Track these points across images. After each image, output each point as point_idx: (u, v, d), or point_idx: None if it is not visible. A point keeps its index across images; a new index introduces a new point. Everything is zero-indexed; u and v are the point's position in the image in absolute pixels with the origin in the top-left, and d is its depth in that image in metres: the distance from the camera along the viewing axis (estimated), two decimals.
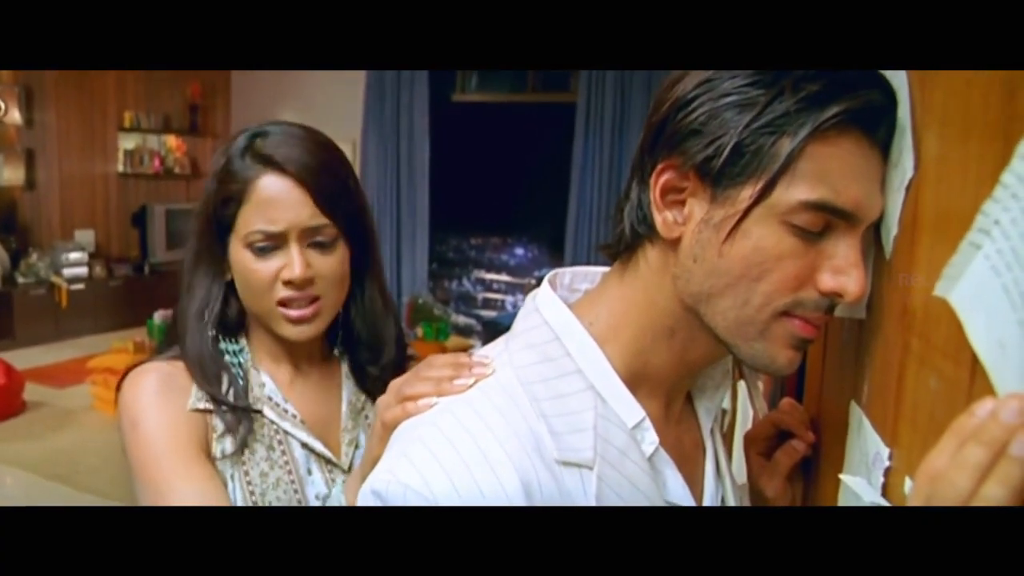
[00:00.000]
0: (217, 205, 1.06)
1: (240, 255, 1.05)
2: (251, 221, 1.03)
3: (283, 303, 1.05)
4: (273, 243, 1.03)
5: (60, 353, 6.76)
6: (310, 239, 1.04)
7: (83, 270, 7.30)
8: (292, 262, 1.03)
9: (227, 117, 8.54)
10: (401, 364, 1.16)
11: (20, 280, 6.94)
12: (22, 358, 6.13)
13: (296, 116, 7.75)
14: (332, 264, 1.06)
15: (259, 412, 1.08)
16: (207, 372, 1.07)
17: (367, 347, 1.17)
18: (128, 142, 7.92)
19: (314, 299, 1.06)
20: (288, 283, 1.03)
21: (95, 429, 5.06)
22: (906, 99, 0.64)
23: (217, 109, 8.49)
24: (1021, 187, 0.43)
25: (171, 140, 8.25)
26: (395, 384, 0.83)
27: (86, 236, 7.60)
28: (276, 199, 1.03)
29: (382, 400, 0.85)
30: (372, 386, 1.15)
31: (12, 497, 4.07)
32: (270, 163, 1.03)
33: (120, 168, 7.84)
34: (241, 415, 1.06)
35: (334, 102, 7.39)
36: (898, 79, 0.65)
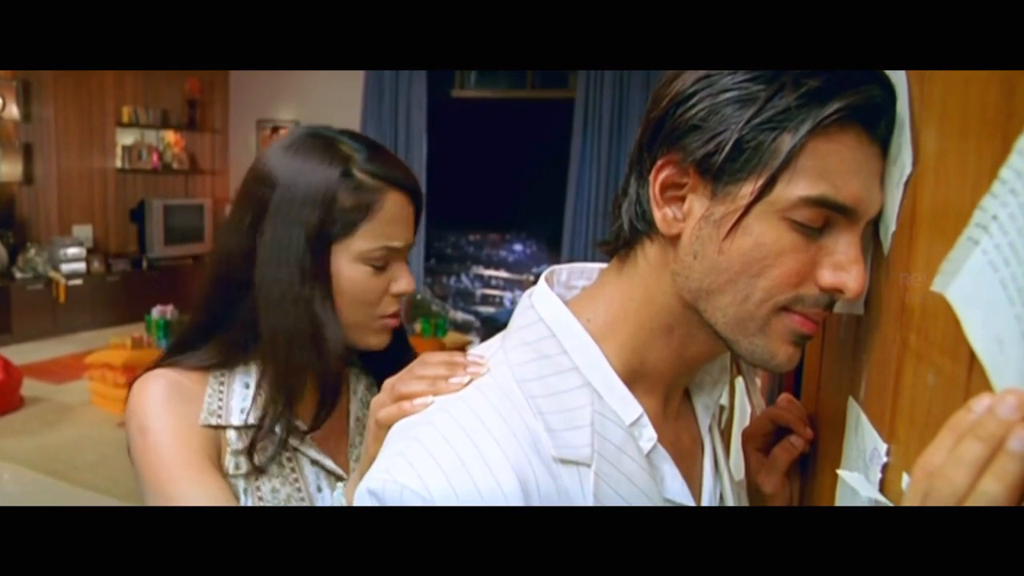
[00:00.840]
0: (333, 219, 1.03)
1: (350, 269, 1.04)
2: (374, 237, 1.04)
3: (389, 315, 1.09)
4: (386, 260, 1.06)
5: (58, 348, 6.76)
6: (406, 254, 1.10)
7: (81, 265, 7.30)
8: (406, 276, 1.08)
9: (225, 113, 8.54)
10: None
11: (18, 275, 6.93)
12: (20, 353, 6.14)
13: (295, 111, 7.78)
14: (414, 282, 1.11)
15: (272, 430, 1.07)
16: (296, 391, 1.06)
17: (388, 360, 1.15)
18: (126, 137, 7.91)
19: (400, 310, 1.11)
20: (398, 296, 1.08)
21: (93, 425, 5.06)
22: (905, 95, 0.64)
23: (215, 105, 8.49)
24: (1019, 182, 0.43)
25: (169, 135, 8.25)
26: (389, 383, 0.83)
27: (84, 231, 7.59)
28: (400, 217, 1.06)
29: (377, 399, 0.85)
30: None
31: (9, 493, 4.07)
32: (395, 183, 1.05)
33: (118, 164, 7.84)
34: (270, 438, 1.05)
35: (333, 97, 7.39)
36: (897, 75, 0.65)
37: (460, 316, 7.43)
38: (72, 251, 7.24)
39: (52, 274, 7.10)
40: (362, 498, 0.67)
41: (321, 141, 1.06)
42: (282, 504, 1.05)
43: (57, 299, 7.12)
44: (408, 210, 1.07)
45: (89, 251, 7.45)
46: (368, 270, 1.05)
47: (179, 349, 1.09)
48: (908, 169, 0.63)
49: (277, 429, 1.07)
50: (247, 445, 1.04)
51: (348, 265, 1.04)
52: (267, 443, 1.05)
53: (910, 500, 0.49)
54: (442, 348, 5.17)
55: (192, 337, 1.09)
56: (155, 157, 8.11)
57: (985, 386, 0.46)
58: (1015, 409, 0.42)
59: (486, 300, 7.94)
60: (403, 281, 1.07)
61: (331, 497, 1.08)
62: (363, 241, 1.04)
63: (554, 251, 6.94)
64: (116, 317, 7.35)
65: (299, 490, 1.07)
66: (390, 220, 1.05)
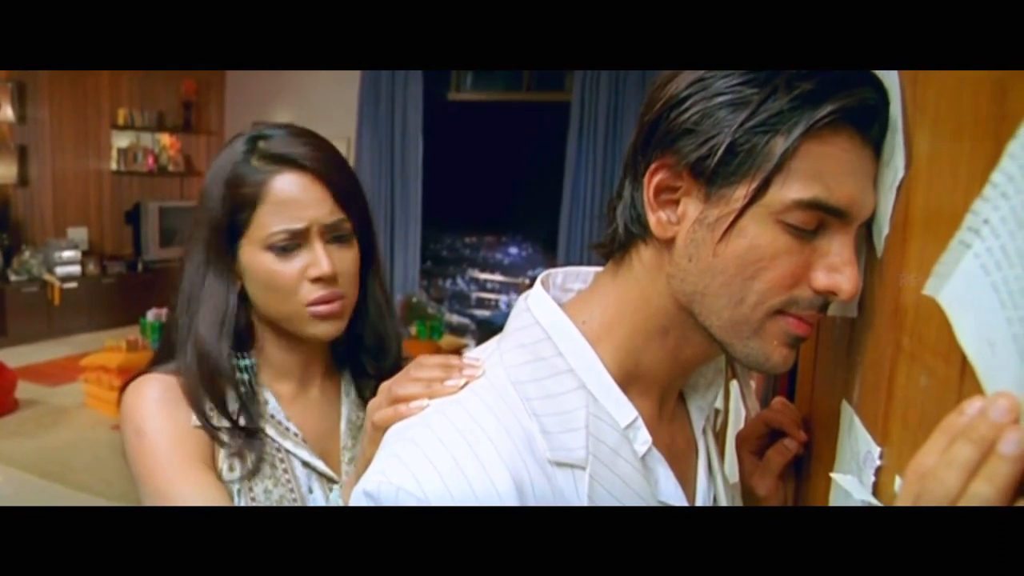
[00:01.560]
0: (227, 211, 1.03)
1: (259, 259, 1.03)
2: (270, 222, 1.02)
3: (312, 302, 1.03)
4: (296, 241, 1.02)
5: (53, 351, 6.74)
6: (331, 235, 1.04)
7: (76, 268, 7.28)
8: (319, 259, 1.02)
9: (221, 114, 8.53)
10: (398, 366, 1.15)
11: (12, 277, 6.91)
12: (14, 356, 6.12)
13: (291, 114, 7.77)
14: (350, 260, 1.06)
15: (262, 431, 1.07)
16: (218, 390, 1.04)
17: (371, 350, 1.15)
18: (122, 140, 7.89)
19: (339, 295, 1.05)
20: (317, 280, 1.02)
21: (88, 427, 5.05)
22: (898, 98, 0.64)
23: (211, 106, 8.48)
24: (1010, 186, 0.43)
25: (165, 138, 8.23)
26: (385, 386, 0.83)
27: (79, 233, 7.58)
28: (296, 197, 1.02)
29: (373, 402, 0.85)
30: (371, 392, 1.14)
31: (4, 495, 4.06)
32: (285, 161, 1.02)
33: (113, 166, 7.82)
34: (251, 437, 1.05)
35: (329, 100, 7.38)
36: (890, 78, 0.65)
37: (456, 319, 7.43)
38: (67, 254, 7.23)
39: (47, 276, 7.08)
40: (358, 499, 0.67)
41: (239, 136, 1.06)
42: (274, 504, 1.05)
43: (52, 301, 7.10)
44: (311, 189, 1.02)
45: (84, 253, 7.43)
46: (273, 257, 1.02)
47: (165, 354, 1.09)
48: (901, 172, 0.63)
49: (271, 432, 1.07)
50: (239, 447, 1.04)
51: (256, 254, 1.03)
52: (253, 444, 1.04)
53: (902, 502, 0.49)
54: (438, 351, 5.17)
55: (171, 344, 1.09)
56: (150, 159, 8.09)
57: (977, 389, 0.47)
58: (1006, 412, 0.42)
59: (481, 303, 7.94)
60: (319, 264, 1.02)
61: (323, 499, 1.08)
62: (263, 227, 1.02)
63: (550, 254, 6.94)
64: (111, 320, 7.33)
65: (291, 491, 1.07)
66: (284, 202, 1.01)
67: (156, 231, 7.79)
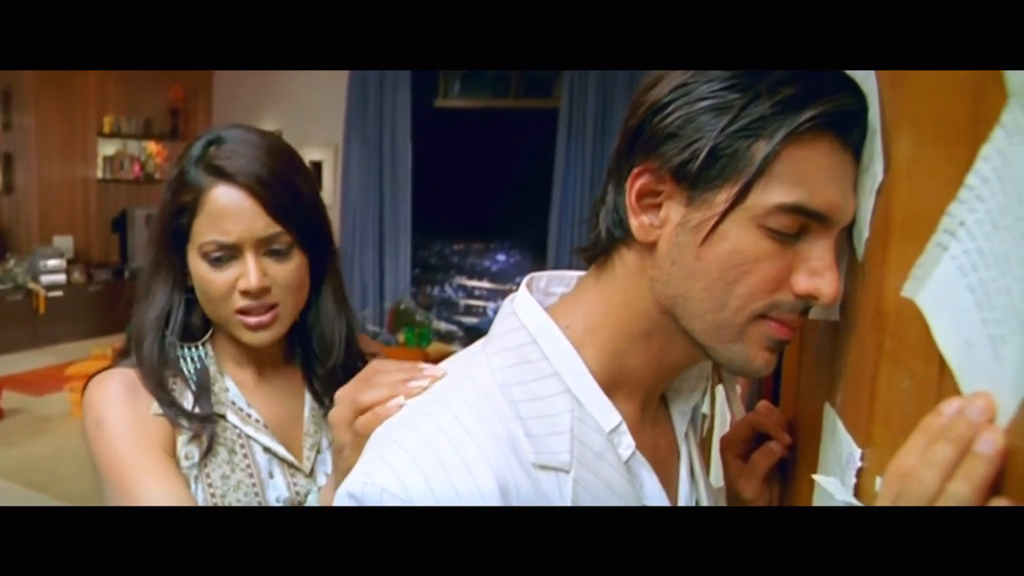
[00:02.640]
0: (172, 214, 1.06)
1: (196, 264, 1.06)
2: (204, 232, 1.04)
3: (241, 311, 1.06)
4: (228, 253, 1.04)
5: (38, 360, 6.70)
6: (265, 248, 1.05)
7: (61, 276, 7.24)
8: (248, 272, 1.04)
9: (209, 121, 8.48)
10: (352, 368, 1.14)
11: None
12: None
13: (278, 121, 7.74)
14: (288, 272, 1.07)
15: (222, 417, 1.09)
16: (161, 379, 1.07)
17: (316, 349, 1.18)
18: (108, 148, 7.85)
19: (271, 306, 1.07)
20: (245, 293, 1.04)
21: (74, 436, 5.00)
22: (876, 102, 0.65)
23: (199, 113, 8.44)
24: (985, 188, 0.44)
25: (152, 146, 8.19)
26: (346, 396, 0.84)
27: (65, 242, 7.53)
28: (228, 210, 1.03)
29: (337, 414, 0.86)
30: (320, 387, 1.17)
31: None
32: (221, 174, 1.03)
33: (99, 174, 7.78)
34: (203, 422, 1.07)
35: (316, 107, 7.36)
36: (868, 81, 0.66)
37: (444, 326, 7.41)
38: (52, 262, 7.18)
39: (32, 285, 7.03)
40: (341, 500, 0.67)
41: (201, 140, 1.09)
42: (232, 489, 1.06)
43: (37, 310, 7.06)
44: (243, 204, 1.03)
45: (70, 262, 7.39)
46: (207, 266, 1.05)
47: (127, 352, 1.12)
48: (880, 176, 0.63)
49: (232, 418, 1.09)
50: (195, 432, 1.06)
51: (194, 260, 1.06)
52: (205, 428, 1.06)
53: (882, 502, 0.49)
54: (426, 358, 5.16)
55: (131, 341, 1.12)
56: (137, 167, 8.06)
57: (956, 390, 0.47)
58: (983, 412, 0.43)
59: (470, 310, 7.93)
60: (248, 278, 1.04)
61: (284, 484, 1.10)
62: (199, 235, 1.05)
63: (539, 260, 6.94)
64: (97, 328, 7.28)
65: (250, 476, 1.08)
66: (217, 214, 1.04)
67: (143, 239, 7.73)
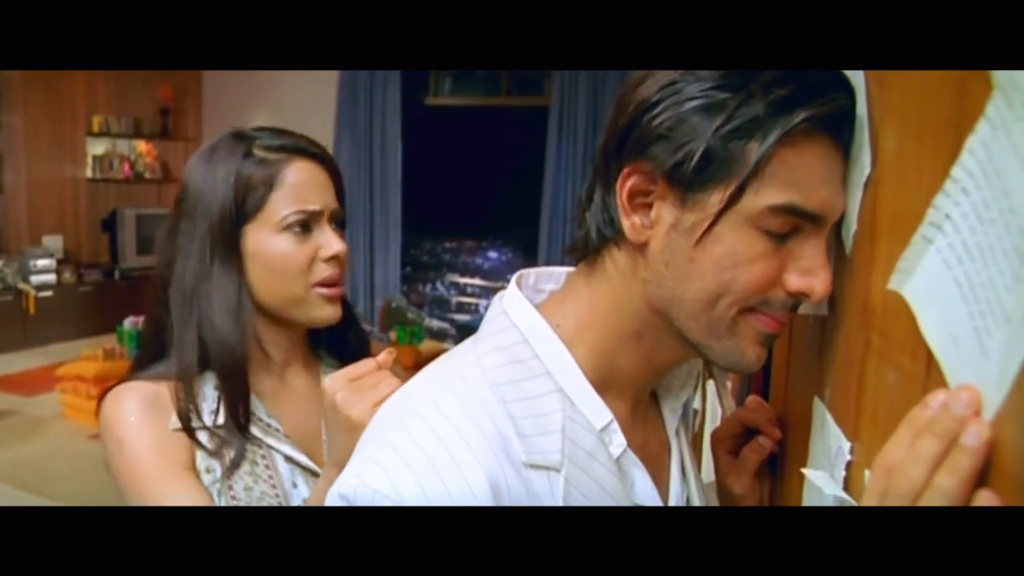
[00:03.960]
0: (237, 200, 1.06)
1: (271, 241, 1.06)
2: (285, 204, 1.06)
3: (321, 283, 1.08)
4: (308, 225, 1.07)
5: (28, 361, 6.66)
6: (334, 222, 1.10)
7: (51, 276, 7.20)
8: (330, 240, 1.08)
9: (199, 120, 8.46)
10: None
11: None
12: None
13: (269, 120, 7.68)
14: (345, 248, 1.11)
15: (246, 429, 1.08)
16: (242, 384, 1.06)
17: (353, 344, 1.20)
18: (97, 147, 7.82)
19: (342, 279, 1.10)
20: (329, 260, 1.07)
21: (65, 437, 4.99)
22: (863, 96, 0.65)
23: (188, 113, 8.41)
24: (970, 181, 0.44)
25: (142, 145, 8.16)
26: (356, 383, 0.90)
27: (54, 242, 7.49)
28: (309, 182, 1.07)
29: (348, 399, 0.91)
30: None
31: None
32: (295, 150, 1.08)
33: (89, 173, 7.74)
34: (230, 435, 1.06)
35: (306, 106, 7.34)
36: (856, 77, 0.66)
37: (436, 324, 7.41)
38: (42, 262, 7.14)
39: (21, 285, 6.99)
40: (334, 501, 0.67)
41: (228, 136, 1.10)
42: (256, 500, 1.05)
43: (27, 311, 7.02)
44: (320, 176, 1.09)
45: (60, 262, 7.35)
46: (290, 237, 1.06)
47: (144, 361, 1.10)
48: (867, 170, 0.64)
49: (253, 429, 1.08)
50: (218, 446, 1.04)
51: (268, 238, 1.06)
52: (232, 443, 1.05)
53: (869, 496, 0.49)
54: (418, 356, 5.15)
55: (152, 349, 1.10)
56: (127, 167, 8.02)
57: (942, 383, 0.47)
58: (968, 405, 0.43)
59: (461, 308, 7.92)
60: (331, 245, 1.07)
61: (308, 492, 1.09)
62: (277, 210, 1.06)
63: (530, 258, 6.94)
64: (88, 328, 7.25)
65: (273, 487, 1.07)
66: (300, 185, 1.07)
67: (133, 239, 7.72)
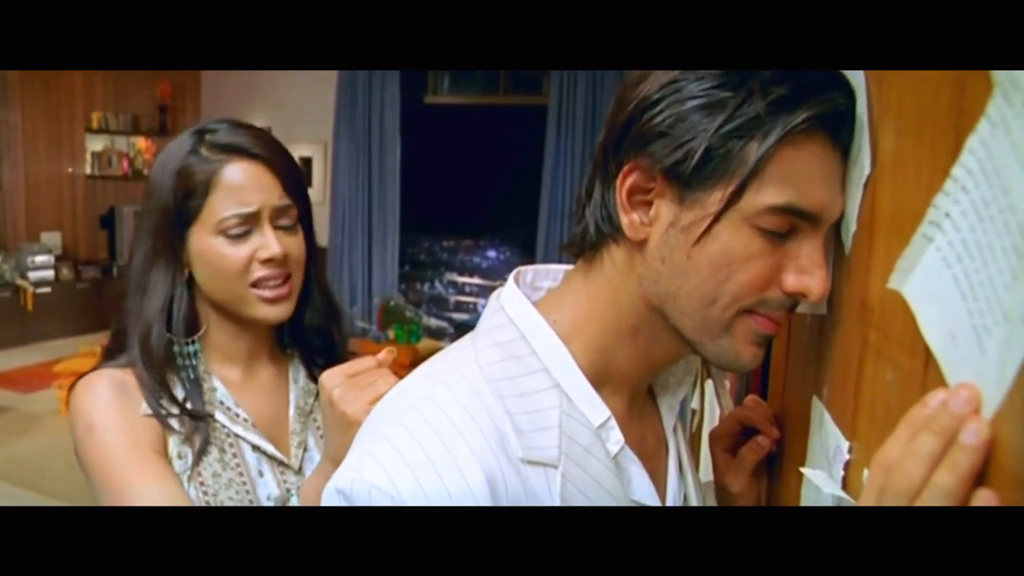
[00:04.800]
0: (177, 200, 1.07)
1: (209, 243, 1.06)
2: (221, 207, 1.05)
3: (257, 284, 1.07)
4: (247, 226, 1.06)
5: (26, 357, 6.66)
6: (277, 221, 1.08)
7: (49, 273, 7.20)
8: (268, 241, 1.07)
9: (197, 117, 8.44)
10: (344, 358, 1.17)
11: None
12: None
13: (267, 117, 7.71)
14: (297, 244, 1.10)
15: (211, 417, 1.09)
16: (163, 375, 1.07)
17: (318, 335, 1.20)
18: (96, 144, 7.81)
19: (287, 278, 1.09)
20: (266, 262, 1.06)
21: (62, 434, 4.98)
22: (863, 96, 0.65)
23: (187, 110, 8.40)
24: (970, 180, 0.44)
25: (140, 142, 8.16)
26: (353, 379, 0.90)
27: (53, 238, 7.49)
28: (246, 183, 1.06)
29: (345, 395, 0.91)
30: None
31: None
32: (234, 150, 1.06)
33: (88, 170, 7.73)
34: (198, 423, 1.07)
35: (305, 103, 7.34)
36: (856, 76, 0.66)
37: (434, 322, 7.40)
38: (40, 258, 7.14)
39: (19, 282, 6.99)
40: (330, 497, 0.67)
41: (187, 131, 1.11)
42: (223, 487, 1.06)
43: (25, 307, 7.02)
44: (260, 175, 1.07)
45: (58, 258, 7.35)
46: (224, 240, 1.06)
47: (114, 352, 1.11)
48: (867, 170, 0.63)
49: (220, 417, 1.09)
50: (190, 432, 1.06)
51: (207, 240, 1.07)
52: (199, 428, 1.07)
53: (867, 494, 0.49)
54: (416, 355, 5.15)
55: (121, 339, 1.11)
56: (125, 163, 8.02)
57: (941, 381, 0.47)
58: (967, 403, 0.43)
59: (460, 307, 7.92)
60: (269, 247, 1.06)
61: (273, 481, 1.11)
62: (215, 212, 1.06)
63: (528, 257, 6.94)
64: (85, 325, 7.25)
65: (240, 474, 1.09)
66: (235, 188, 1.06)
67: (131, 235, 7.70)
